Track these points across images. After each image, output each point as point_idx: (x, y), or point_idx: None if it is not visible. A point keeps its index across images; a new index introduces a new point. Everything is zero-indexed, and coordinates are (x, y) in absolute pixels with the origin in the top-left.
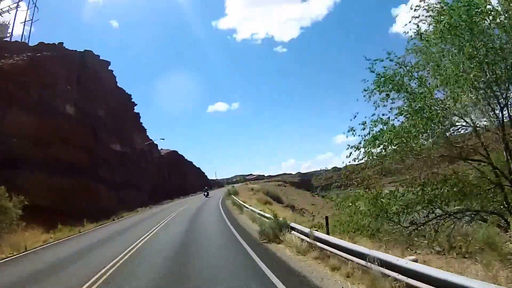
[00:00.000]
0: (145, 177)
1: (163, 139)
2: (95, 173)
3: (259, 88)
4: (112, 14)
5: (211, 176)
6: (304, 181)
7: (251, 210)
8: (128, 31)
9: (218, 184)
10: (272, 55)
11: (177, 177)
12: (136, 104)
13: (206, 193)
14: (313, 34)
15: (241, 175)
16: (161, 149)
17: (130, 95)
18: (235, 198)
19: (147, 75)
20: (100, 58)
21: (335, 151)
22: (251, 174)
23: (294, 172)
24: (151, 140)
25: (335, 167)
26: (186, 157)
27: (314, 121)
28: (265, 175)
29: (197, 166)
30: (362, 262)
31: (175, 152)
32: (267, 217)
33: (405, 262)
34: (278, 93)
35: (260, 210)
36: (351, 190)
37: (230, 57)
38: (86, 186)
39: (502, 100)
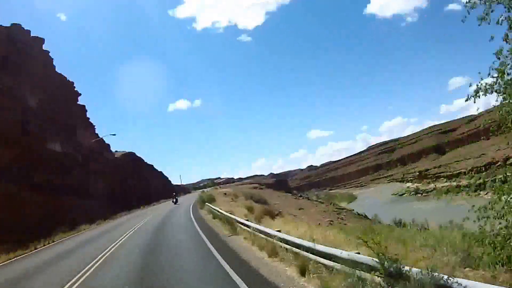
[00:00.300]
0: (95, 183)
1: (114, 134)
2: (25, 177)
3: (222, 82)
4: (61, 5)
5: (175, 181)
6: (279, 182)
7: (261, 231)
8: (78, 22)
9: (184, 189)
10: (236, 44)
11: (137, 183)
12: (80, 94)
13: (174, 199)
14: (280, 20)
15: (208, 179)
16: (116, 151)
17: (73, 82)
18: (213, 207)
19: (100, 71)
20: (32, 35)
21: (309, 147)
22: (219, 178)
23: (266, 173)
24: (100, 137)
25: (311, 165)
26: (146, 160)
27: (285, 115)
28: (235, 178)
29: (159, 170)
30: None
31: (132, 154)
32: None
33: None
34: (244, 87)
35: (280, 231)
36: (330, 189)
37: (190, 48)
38: (8, 194)
39: None
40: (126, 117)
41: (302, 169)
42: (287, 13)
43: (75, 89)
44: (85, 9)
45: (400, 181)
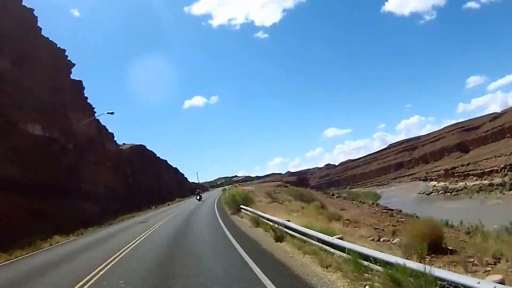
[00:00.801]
0: (91, 179)
1: (112, 112)
2: None
3: (239, 79)
4: (74, 2)
5: (192, 179)
6: (301, 180)
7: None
8: (92, 18)
9: (201, 187)
10: (253, 41)
11: (147, 180)
12: (74, 65)
13: (198, 196)
14: (297, 17)
15: (224, 177)
16: (123, 143)
17: (64, 50)
18: (260, 214)
19: (114, 68)
20: None
21: (326, 146)
22: (236, 176)
23: (283, 171)
24: (94, 117)
25: (329, 163)
26: (158, 155)
27: (302, 114)
28: (252, 176)
29: (174, 166)
30: None
31: (141, 147)
32: None
33: None
34: (260, 85)
35: None
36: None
37: (206, 45)
38: None
39: None
40: (140, 113)
41: (320, 168)
42: (304, 10)
43: (68, 58)
44: (99, 5)
45: (423, 180)
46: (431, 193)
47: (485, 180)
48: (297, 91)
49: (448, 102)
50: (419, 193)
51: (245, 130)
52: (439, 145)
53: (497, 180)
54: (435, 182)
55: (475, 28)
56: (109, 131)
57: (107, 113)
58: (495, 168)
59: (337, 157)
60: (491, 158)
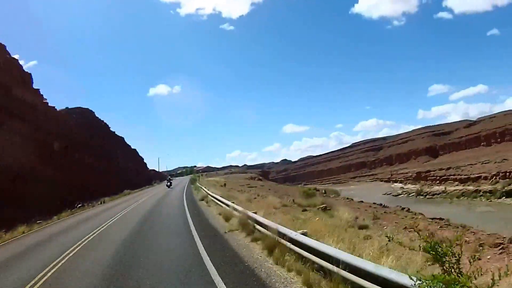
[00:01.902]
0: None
1: None
2: None
3: (203, 70)
4: None
5: (151, 166)
6: (264, 174)
7: None
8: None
9: (160, 176)
10: (219, 33)
11: (95, 161)
12: None
13: (169, 183)
14: (264, 11)
15: (184, 166)
16: (67, 107)
17: None
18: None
19: (78, 50)
20: None
21: (283, 141)
22: (195, 166)
23: (240, 164)
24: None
25: (285, 159)
26: (114, 130)
27: (263, 108)
28: (212, 166)
29: (133, 148)
30: None
31: (87, 113)
32: None
33: None
34: (223, 77)
35: None
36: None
37: (173, 33)
38: None
39: None
40: (103, 96)
41: (276, 162)
42: (272, 4)
43: None
44: None
45: (386, 181)
46: (399, 194)
47: (469, 186)
48: (260, 86)
49: (408, 107)
50: (384, 194)
51: (205, 121)
52: (407, 148)
53: (485, 187)
54: (401, 184)
55: (444, 38)
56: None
57: None
58: (483, 174)
59: (294, 153)
60: (476, 164)
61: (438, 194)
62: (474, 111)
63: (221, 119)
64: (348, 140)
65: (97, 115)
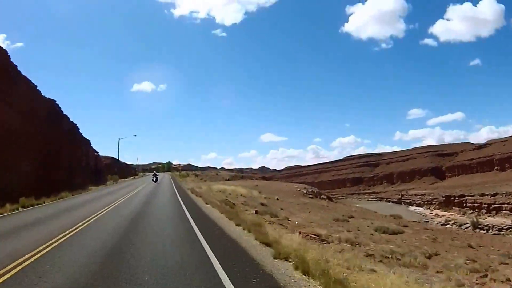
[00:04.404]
0: None
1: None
2: None
3: (190, 72)
4: None
5: (128, 160)
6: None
7: None
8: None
9: (131, 170)
10: (210, 38)
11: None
12: None
13: (155, 178)
14: (257, 22)
15: (160, 162)
16: None
17: None
18: None
19: (69, 45)
20: None
21: (260, 149)
22: (171, 163)
23: (218, 166)
24: None
25: (263, 166)
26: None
27: (243, 114)
28: (192, 164)
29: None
30: None
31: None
32: None
33: None
34: (209, 81)
35: None
36: None
37: (164, 33)
38: None
39: None
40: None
41: (255, 169)
42: (265, 16)
43: None
44: None
45: (396, 202)
46: (442, 224)
47: None
48: (243, 93)
49: (386, 128)
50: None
51: (185, 121)
52: (408, 166)
53: None
54: (424, 209)
55: (429, 64)
56: None
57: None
58: None
59: (270, 162)
60: None
61: (507, 229)
62: (449, 137)
63: (200, 120)
64: (325, 154)
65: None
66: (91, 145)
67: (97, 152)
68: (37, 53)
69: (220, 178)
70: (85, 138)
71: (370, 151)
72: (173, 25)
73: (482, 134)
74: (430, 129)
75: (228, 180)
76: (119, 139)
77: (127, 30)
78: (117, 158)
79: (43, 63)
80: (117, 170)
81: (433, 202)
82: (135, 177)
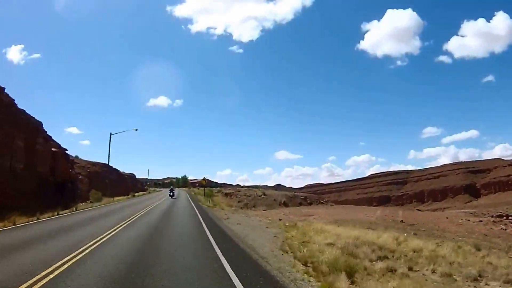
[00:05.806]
0: None
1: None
2: None
3: (206, 88)
4: None
5: (140, 175)
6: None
7: None
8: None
9: (142, 184)
10: (227, 54)
11: None
12: None
13: (171, 193)
14: (273, 39)
15: (174, 177)
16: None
17: None
18: None
19: (85, 55)
20: None
21: (275, 167)
22: (187, 178)
23: (233, 183)
24: None
25: (279, 184)
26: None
27: (258, 131)
28: (212, 180)
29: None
30: None
31: None
32: None
33: None
34: (225, 97)
35: None
36: None
37: (181, 49)
38: None
39: None
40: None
41: (270, 186)
42: (281, 33)
43: None
44: None
45: None
46: None
47: None
48: (259, 110)
49: (400, 147)
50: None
51: (201, 136)
52: (439, 184)
53: None
54: None
55: (443, 82)
56: None
57: None
58: None
59: (284, 179)
60: None
61: None
62: (464, 156)
63: (216, 137)
64: (339, 172)
65: None
66: (47, 135)
67: (64, 149)
68: (53, 64)
69: (270, 201)
70: (33, 120)
71: (384, 169)
72: (190, 41)
73: (496, 152)
74: (445, 147)
75: (284, 204)
76: (110, 134)
77: (144, 45)
78: (115, 168)
79: (58, 74)
80: (110, 182)
81: None
82: (144, 192)
